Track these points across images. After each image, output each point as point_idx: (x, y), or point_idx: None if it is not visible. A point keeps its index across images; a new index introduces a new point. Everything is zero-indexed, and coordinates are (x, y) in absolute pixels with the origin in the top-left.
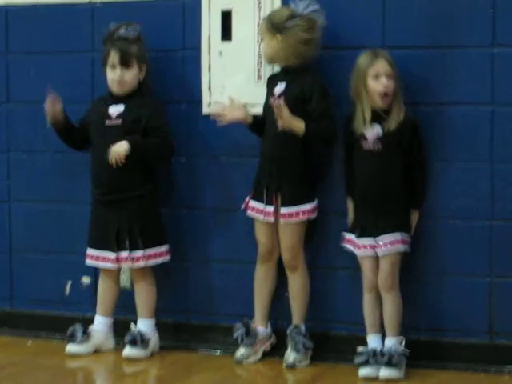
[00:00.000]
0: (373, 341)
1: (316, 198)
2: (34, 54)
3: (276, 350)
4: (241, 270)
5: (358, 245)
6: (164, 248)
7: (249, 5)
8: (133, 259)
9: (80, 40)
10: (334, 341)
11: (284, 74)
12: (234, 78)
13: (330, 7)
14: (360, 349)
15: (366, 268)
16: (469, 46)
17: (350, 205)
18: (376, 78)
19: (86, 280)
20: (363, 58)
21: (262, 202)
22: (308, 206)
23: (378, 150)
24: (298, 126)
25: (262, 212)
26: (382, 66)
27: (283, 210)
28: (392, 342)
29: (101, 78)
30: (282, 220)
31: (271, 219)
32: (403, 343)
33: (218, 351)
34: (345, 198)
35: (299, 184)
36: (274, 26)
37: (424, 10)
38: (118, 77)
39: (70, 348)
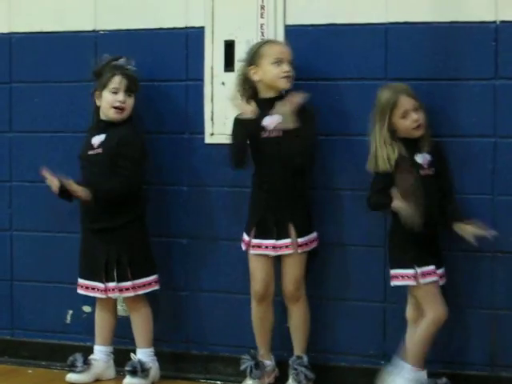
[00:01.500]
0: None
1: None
2: (36, 82)
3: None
4: (239, 300)
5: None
6: (153, 277)
7: (252, 35)
8: (121, 289)
9: (83, 69)
10: (334, 372)
11: (270, 106)
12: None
13: (333, 40)
14: None
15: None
16: (471, 78)
17: None
18: (403, 117)
19: (86, 309)
20: (384, 98)
21: (271, 237)
22: (315, 235)
23: (432, 174)
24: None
25: (274, 247)
26: (405, 102)
27: (300, 240)
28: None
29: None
30: (299, 250)
31: (290, 251)
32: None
33: (218, 382)
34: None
35: (307, 213)
36: None
37: (426, 42)
38: (119, 103)
39: (71, 377)
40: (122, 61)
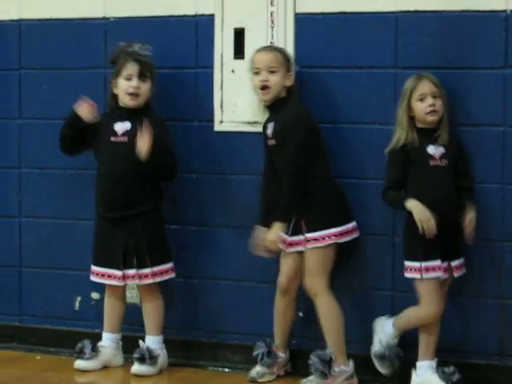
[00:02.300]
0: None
1: (347, 222)
2: (46, 69)
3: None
4: (250, 288)
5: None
6: (170, 265)
7: (262, 23)
8: (140, 277)
9: (93, 56)
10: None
11: (271, 113)
12: (246, 96)
13: (343, 28)
14: None
15: (436, 294)
16: (481, 67)
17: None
18: (420, 100)
19: (95, 296)
20: (408, 83)
21: (286, 232)
22: (334, 230)
23: (445, 165)
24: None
25: (288, 244)
26: (425, 87)
27: (309, 235)
28: (430, 364)
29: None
30: (308, 246)
31: (302, 248)
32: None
33: (227, 369)
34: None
35: (321, 208)
36: (289, 62)
37: (436, 31)
38: (133, 89)
39: (79, 364)
40: (137, 47)
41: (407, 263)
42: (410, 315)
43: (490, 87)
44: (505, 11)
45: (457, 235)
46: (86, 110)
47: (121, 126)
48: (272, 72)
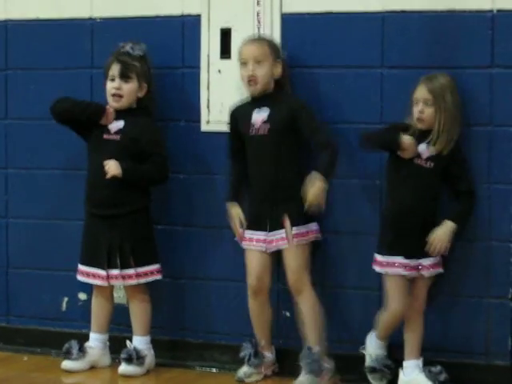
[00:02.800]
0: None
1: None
2: (32, 70)
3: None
4: (237, 288)
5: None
6: (155, 266)
7: (248, 23)
8: (123, 277)
9: (79, 56)
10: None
11: (258, 102)
12: (233, 96)
13: (330, 28)
14: None
15: (400, 292)
16: (467, 67)
17: None
18: (415, 104)
19: (82, 296)
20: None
21: (264, 229)
22: (315, 227)
23: (429, 167)
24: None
25: (265, 241)
26: (420, 92)
27: (295, 230)
28: (416, 364)
29: (100, 95)
30: (294, 240)
31: (284, 244)
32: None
33: (214, 369)
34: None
35: (302, 204)
36: (277, 51)
37: (423, 30)
38: (114, 89)
39: (66, 364)
40: (128, 47)
41: (375, 255)
42: (381, 319)
43: (477, 87)
44: (491, 11)
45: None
46: (108, 117)
47: (114, 125)
48: (258, 62)
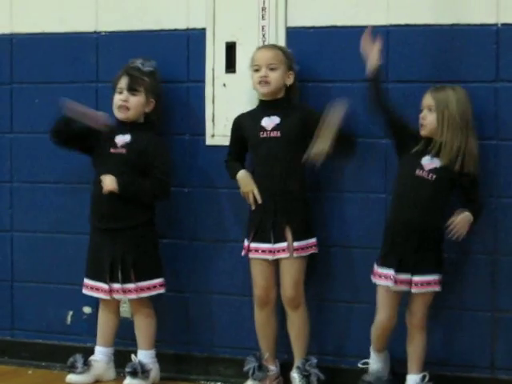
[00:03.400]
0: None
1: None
2: (38, 83)
3: None
4: (242, 302)
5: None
6: (158, 280)
7: (253, 37)
8: (124, 291)
9: (84, 70)
10: (334, 374)
11: (268, 109)
12: (238, 110)
13: (334, 42)
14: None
15: (387, 307)
16: (472, 81)
17: None
18: (421, 111)
19: (87, 310)
20: None
21: (268, 241)
22: (314, 240)
23: (431, 180)
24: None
25: (270, 252)
26: (425, 99)
27: (296, 244)
28: (415, 379)
29: (105, 108)
30: (294, 254)
31: (285, 255)
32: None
33: (219, 383)
34: None
35: (305, 217)
36: (290, 61)
37: (427, 44)
38: (121, 101)
39: (71, 378)
40: (138, 62)
41: (374, 266)
42: (372, 330)
43: (482, 101)
44: (496, 25)
45: (431, 251)
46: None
47: (121, 138)
48: (272, 69)
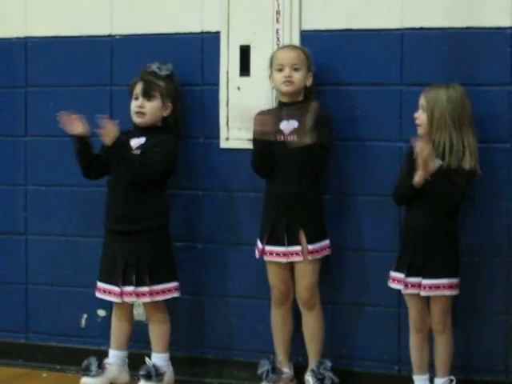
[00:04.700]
0: (420, 382)
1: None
2: (52, 87)
3: None
4: (256, 305)
5: (406, 284)
6: (173, 284)
7: (267, 40)
8: (138, 294)
9: (99, 73)
10: (348, 377)
11: (287, 110)
12: (252, 113)
13: (349, 45)
14: None
15: (414, 309)
16: (486, 84)
17: None
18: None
19: (101, 313)
20: None
21: (282, 244)
22: (327, 242)
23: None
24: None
25: (284, 255)
26: (420, 99)
27: (310, 247)
28: (441, 382)
29: (119, 112)
30: (309, 257)
31: (300, 259)
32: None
33: None
34: None
35: (319, 220)
36: (311, 62)
37: (442, 47)
38: (137, 107)
39: (85, 381)
40: (155, 66)
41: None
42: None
43: (496, 104)
44: (510, 28)
45: (442, 254)
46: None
47: (136, 141)
48: (295, 69)
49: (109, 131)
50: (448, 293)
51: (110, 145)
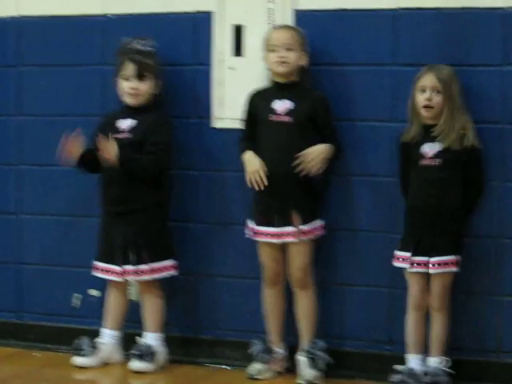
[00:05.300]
0: (413, 361)
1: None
2: (44, 66)
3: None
4: (249, 285)
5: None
6: (170, 262)
7: (261, 20)
8: (138, 273)
9: (91, 53)
10: (340, 357)
11: (281, 90)
12: (245, 93)
13: (343, 25)
14: (398, 367)
15: (415, 286)
16: (479, 64)
17: None
18: (422, 92)
19: (93, 293)
20: (417, 74)
21: (274, 225)
22: (321, 222)
23: (438, 165)
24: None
25: (277, 235)
26: (428, 80)
27: (303, 228)
28: (437, 362)
29: (111, 91)
30: (302, 237)
31: (292, 239)
32: (446, 363)
33: (226, 366)
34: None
35: (311, 200)
36: (305, 42)
37: (435, 28)
38: (131, 89)
39: (77, 360)
40: (138, 43)
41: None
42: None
43: (488, 84)
44: (503, 8)
45: (447, 232)
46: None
47: (126, 124)
48: (288, 50)
49: (110, 150)
50: (454, 269)
51: (118, 165)
